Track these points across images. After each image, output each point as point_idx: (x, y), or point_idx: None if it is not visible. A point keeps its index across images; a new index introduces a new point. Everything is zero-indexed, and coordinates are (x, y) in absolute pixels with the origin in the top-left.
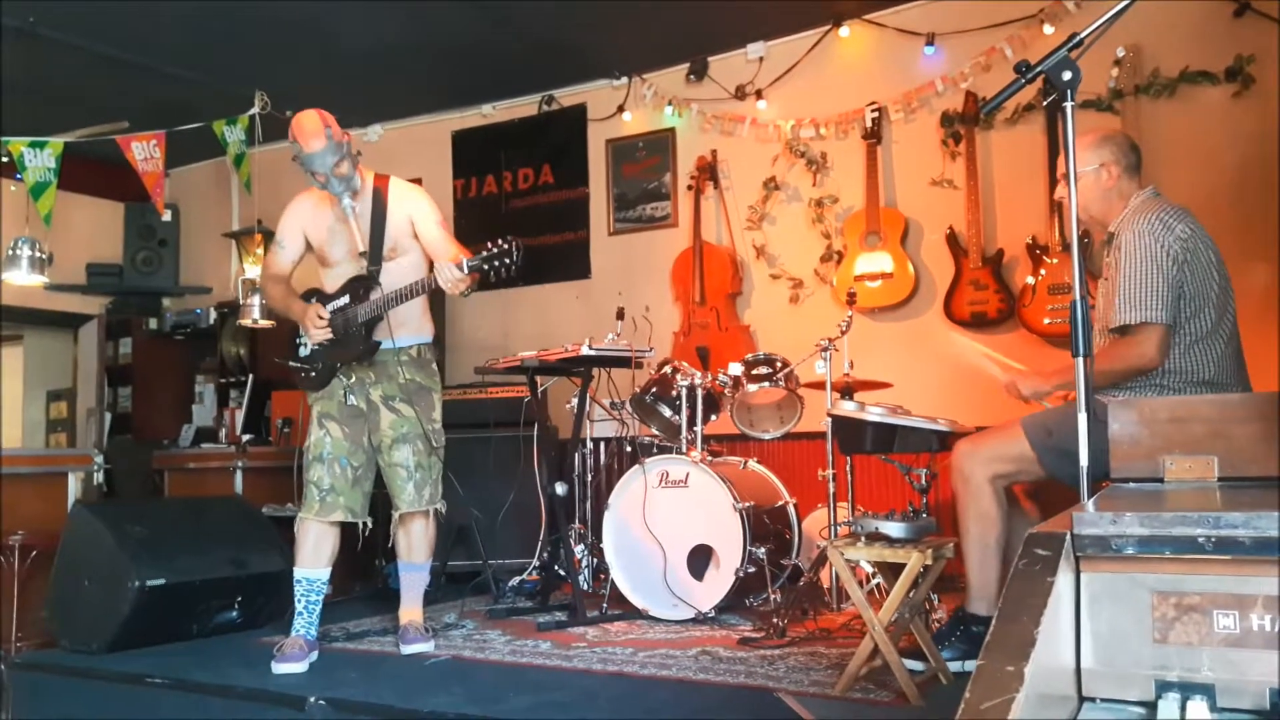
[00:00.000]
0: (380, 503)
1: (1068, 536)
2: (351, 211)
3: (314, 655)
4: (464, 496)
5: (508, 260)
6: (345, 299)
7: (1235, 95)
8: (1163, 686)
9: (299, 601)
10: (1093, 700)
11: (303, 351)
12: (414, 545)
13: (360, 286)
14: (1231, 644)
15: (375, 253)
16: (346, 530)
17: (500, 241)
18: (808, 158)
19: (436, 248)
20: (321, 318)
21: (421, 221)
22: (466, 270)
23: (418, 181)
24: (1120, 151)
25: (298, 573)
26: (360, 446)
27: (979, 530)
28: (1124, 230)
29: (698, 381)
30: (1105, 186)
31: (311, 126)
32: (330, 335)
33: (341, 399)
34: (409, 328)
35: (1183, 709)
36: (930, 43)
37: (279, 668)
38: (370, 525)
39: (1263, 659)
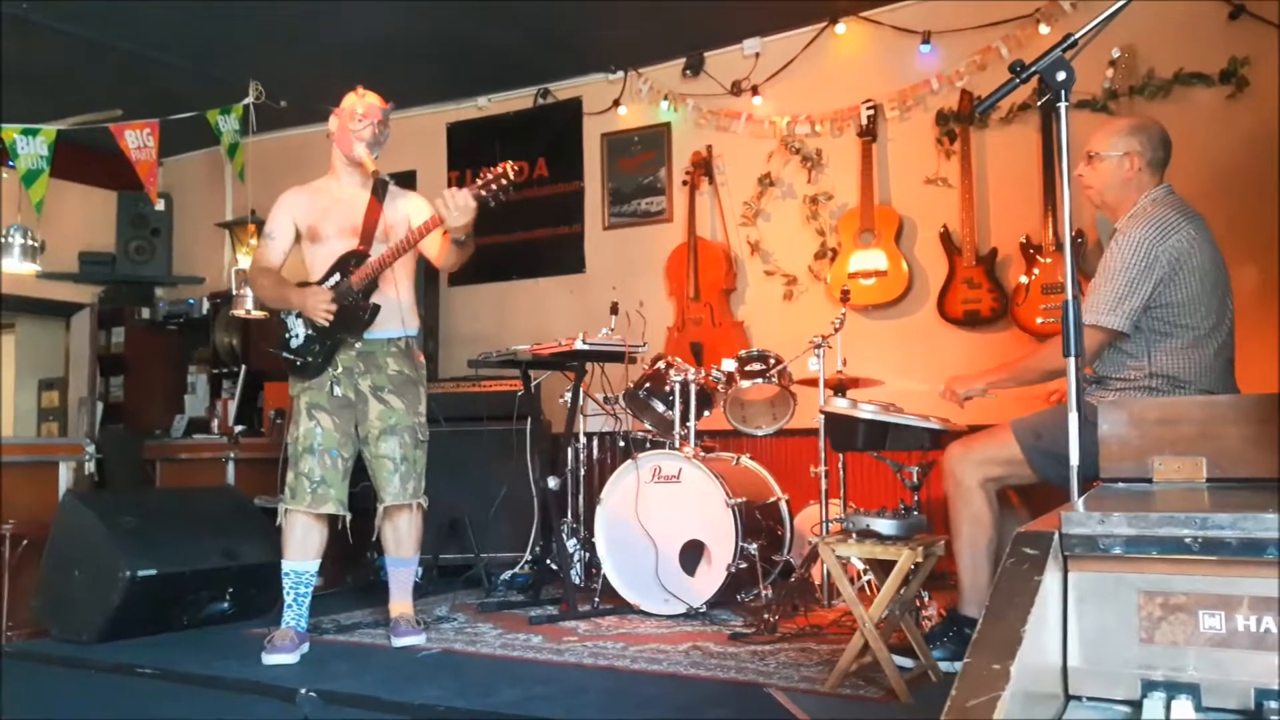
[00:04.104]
0: (368, 495)
1: (1056, 536)
2: (365, 153)
3: (304, 647)
4: (456, 490)
5: (504, 181)
6: (336, 276)
7: (1229, 97)
8: (1148, 686)
9: (288, 594)
10: (1078, 699)
11: (294, 342)
12: (401, 540)
13: (351, 259)
14: (1217, 644)
15: (368, 234)
16: (335, 522)
17: (492, 168)
18: (803, 154)
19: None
20: (325, 295)
21: (417, 218)
22: (470, 195)
23: (411, 174)
24: (1149, 144)
25: (286, 565)
26: (349, 438)
27: (971, 534)
28: (1121, 229)
29: (691, 377)
30: (1125, 176)
31: (375, 102)
32: (333, 310)
33: (329, 390)
34: (397, 319)
35: (1168, 708)
36: (926, 41)
37: (269, 659)
38: (350, 518)
39: (1248, 659)
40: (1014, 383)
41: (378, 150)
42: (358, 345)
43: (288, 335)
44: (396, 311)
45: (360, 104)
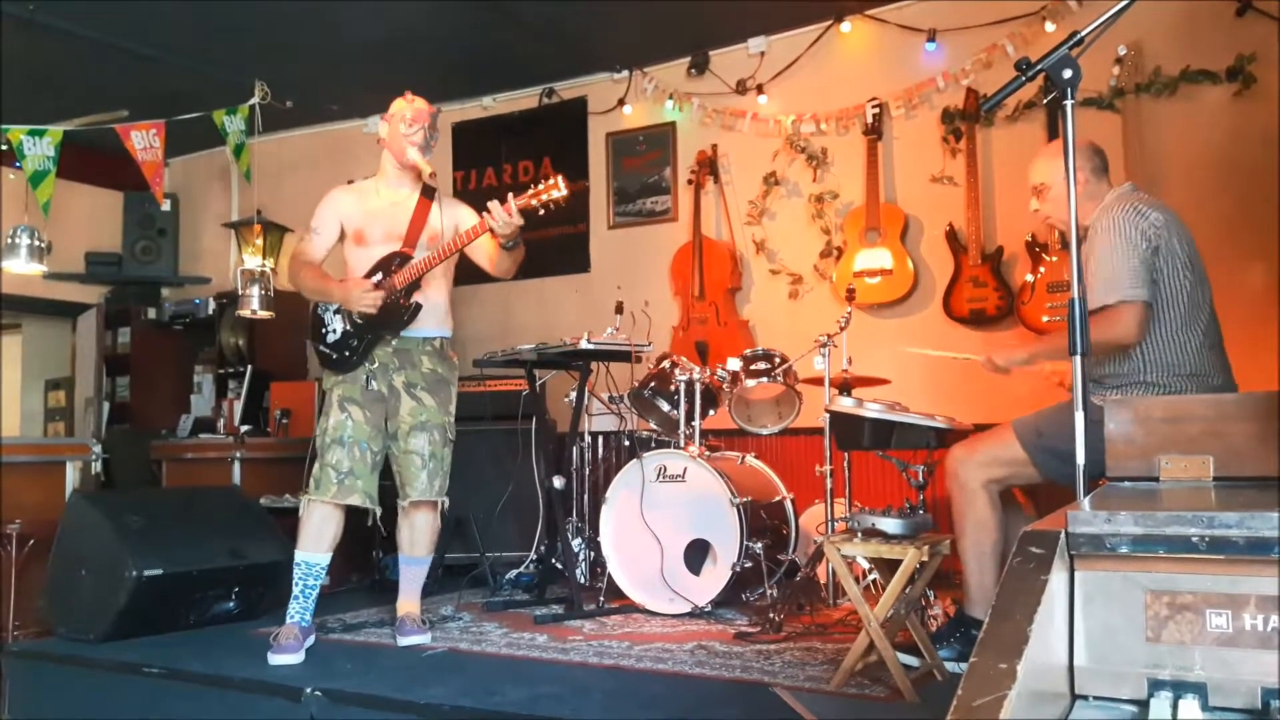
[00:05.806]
0: (382, 494)
1: (1062, 535)
2: (419, 156)
3: (310, 641)
4: (462, 489)
5: (555, 194)
6: (379, 275)
7: (1236, 94)
8: (1155, 685)
9: (296, 584)
10: (1085, 698)
11: (331, 337)
12: (417, 539)
13: (394, 259)
14: (1224, 643)
15: (413, 239)
16: (348, 520)
17: (543, 182)
18: (808, 153)
19: (480, 242)
20: (367, 284)
21: (465, 226)
22: (515, 209)
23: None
24: (1084, 157)
25: (299, 556)
26: (380, 432)
27: (976, 536)
28: (1098, 220)
29: (696, 376)
30: (1078, 193)
31: (424, 107)
32: (379, 303)
33: (364, 383)
34: (434, 320)
35: (1174, 708)
36: (932, 39)
37: (275, 659)
38: (380, 513)
39: (1255, 658)
40: (1059, 354)
41: (429, 153)
42: (394, 342)
43: (325, 330)
44: (434, 312)
45: (409, 109)
